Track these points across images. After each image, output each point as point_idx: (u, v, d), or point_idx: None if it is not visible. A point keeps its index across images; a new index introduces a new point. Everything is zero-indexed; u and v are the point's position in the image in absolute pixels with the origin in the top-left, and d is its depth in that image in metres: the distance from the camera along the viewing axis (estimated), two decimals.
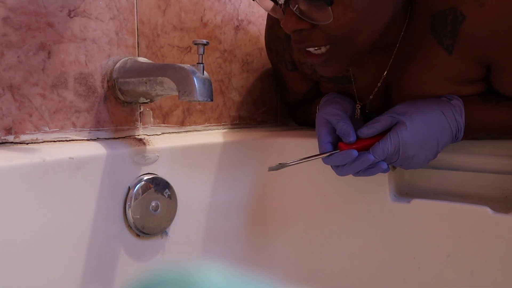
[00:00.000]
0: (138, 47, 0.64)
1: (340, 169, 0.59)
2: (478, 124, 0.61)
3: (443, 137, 0.58)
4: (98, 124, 0.60)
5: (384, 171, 0.58)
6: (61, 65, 0.55)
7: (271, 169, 0.59)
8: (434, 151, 0.59)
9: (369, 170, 0.58)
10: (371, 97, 0.68)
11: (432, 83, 0.62)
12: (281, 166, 0.58)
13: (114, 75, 0.60)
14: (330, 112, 0.61)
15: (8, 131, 0.51)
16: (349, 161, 0.57)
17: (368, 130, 0.58)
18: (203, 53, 0.53)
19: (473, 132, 0.62)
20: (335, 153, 0.57)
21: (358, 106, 0.68)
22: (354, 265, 0.70)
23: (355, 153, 0.56)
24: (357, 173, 0.59)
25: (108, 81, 0.60)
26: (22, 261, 0.48)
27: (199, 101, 0.52)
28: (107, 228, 0.56)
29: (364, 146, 0.57)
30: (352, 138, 0.57)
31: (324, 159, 0.59)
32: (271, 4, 0.56)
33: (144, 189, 0.59)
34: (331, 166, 0.61)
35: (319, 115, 0.62)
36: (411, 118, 0.57)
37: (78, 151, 0.54)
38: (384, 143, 0.56)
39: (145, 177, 0.60)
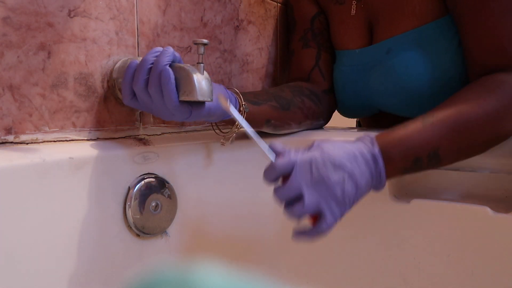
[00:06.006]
0: (138, 47, 0.64)
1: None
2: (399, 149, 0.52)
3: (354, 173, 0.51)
4: (98, 124, 0.60)
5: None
6: (61, 65, 0.55)
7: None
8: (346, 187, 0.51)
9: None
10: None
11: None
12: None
13: (114, 75, 0.60)
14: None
15: (8, 131, 0.51)
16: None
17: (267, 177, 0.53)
18: (203, 53, 0.53)
19: (402, 160, 0.52)
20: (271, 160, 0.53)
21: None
22: (354, 265, 0.70)
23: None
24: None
25: (108, 81, 0.60)
26: (22, 261, 0.48)
27: (199, 100, 0.52)
28: (107, 228, 0.56)
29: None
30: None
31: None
32: None
33: (144, 189, 0.59)
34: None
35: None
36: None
37: (78, 151, 0.54)
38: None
39: (145, 177, 0.60)
